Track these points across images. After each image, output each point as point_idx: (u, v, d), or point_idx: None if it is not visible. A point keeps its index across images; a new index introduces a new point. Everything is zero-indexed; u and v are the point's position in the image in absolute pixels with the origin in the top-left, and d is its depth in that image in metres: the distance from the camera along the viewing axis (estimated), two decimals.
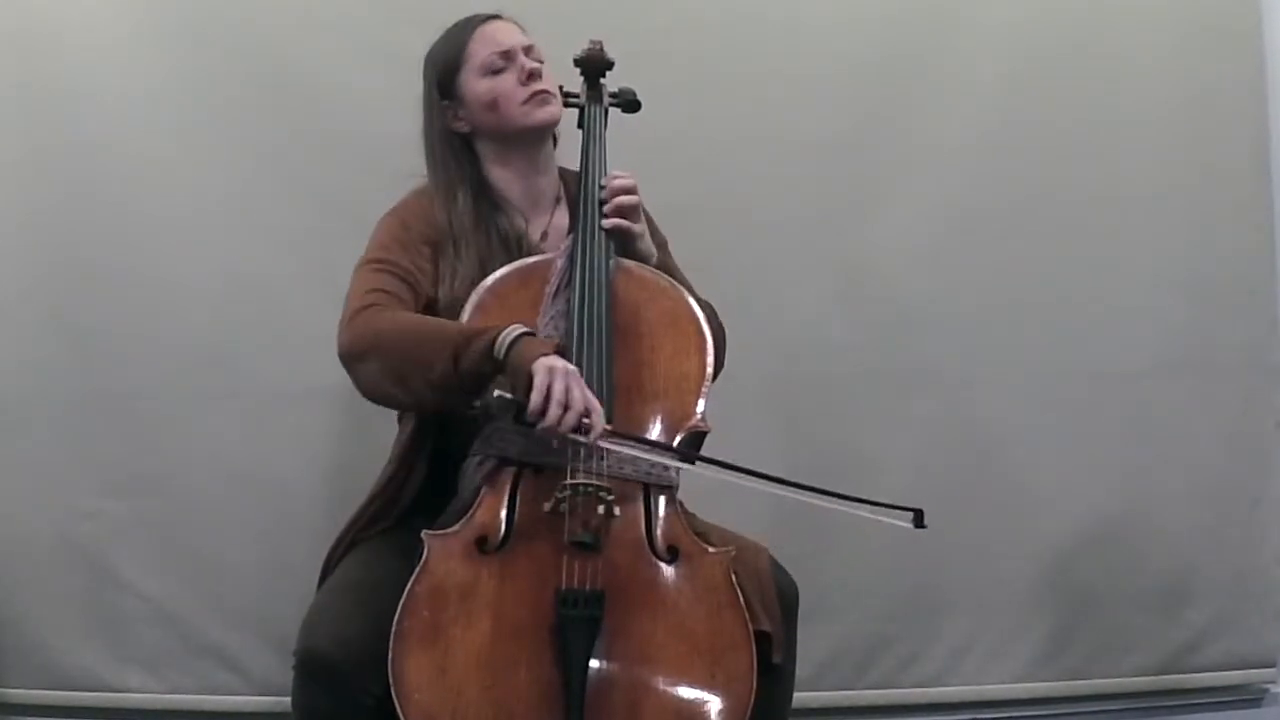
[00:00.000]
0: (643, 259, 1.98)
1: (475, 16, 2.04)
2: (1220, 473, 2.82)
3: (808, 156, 2.71)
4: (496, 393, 1.66)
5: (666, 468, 1.77)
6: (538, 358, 1.66)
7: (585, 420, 1.65)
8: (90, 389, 2.56)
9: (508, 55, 1.99)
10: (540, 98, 1.99)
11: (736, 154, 2.68)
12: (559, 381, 1.64)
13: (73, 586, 2.55)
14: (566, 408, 1.64)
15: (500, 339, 1.70)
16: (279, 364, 2.57)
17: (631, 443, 1.72)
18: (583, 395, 1.66)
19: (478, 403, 1.67)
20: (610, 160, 2.04)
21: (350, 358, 1.81)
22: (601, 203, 1.95)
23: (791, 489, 1.71)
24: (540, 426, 1.64)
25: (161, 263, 2.58)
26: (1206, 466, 2.81)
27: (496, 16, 2.05)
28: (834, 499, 1.71)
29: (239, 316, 2.58)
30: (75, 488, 2.56)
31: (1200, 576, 2.81)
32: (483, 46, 2.00)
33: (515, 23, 2.06)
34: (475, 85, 1.99)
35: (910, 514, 1.70)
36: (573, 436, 1.66)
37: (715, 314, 2.02)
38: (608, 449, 1.70)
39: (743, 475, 1.71)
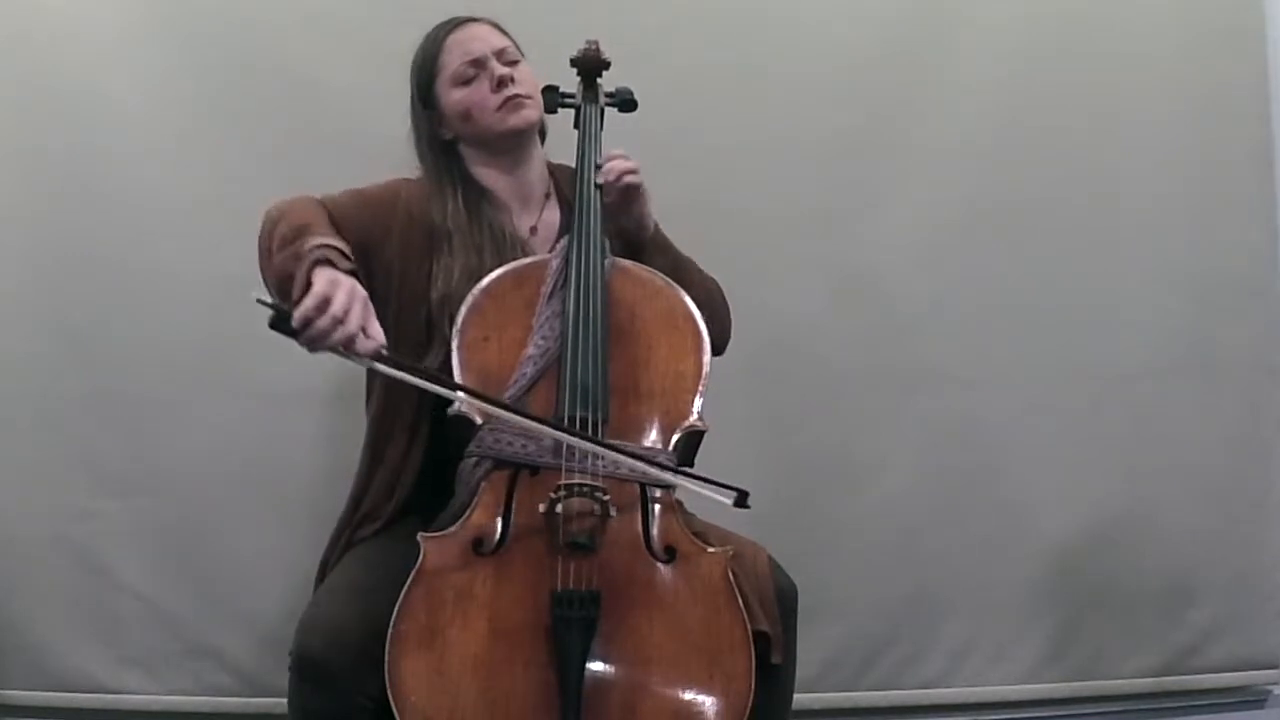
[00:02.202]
0: (643, 226, 1.99)
1: (448, 22, 2.04)
2: (1223, 473, 2.82)
3: (807, 156, 2.71)
4: (257, 296, 1.61)
5: (665, 468, 1.76)
6: (326, 264, 1.65)
7: (362, 339, 1.62)
8: (88, 389, 2.56)
9: (478, 63, 1.99)
10: (513, 103, 1.99)
11: (734, 154, 2.67)
12: (341, 293, 1.61)
13: (70, 587, 2.56)
14: (339, 322, 1.60)
15: (309, 238, 1.70)
16: (277, 364, 2.55)
17: (406, 373, 1.68)
18: (362, 315, 1.62)
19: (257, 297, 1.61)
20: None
21: (266, 219, 1.84)
22: (598, 181, 1.96)
23: (593, 444, 1.70)
24: (306, 334, 1.59)
25: (159, 262, 2.58)
26: (1209, 467, 2.81)
27: (470, 20, 2.04)
28: (659, 469, 1.70)
29: (237, 316, 2.53)
30: (73, 488, 2.56)
31: (1203, 577, 2.81)
32: (454, 57, 2.00)
33: (490, 22, 2.05)
34: (449, 96, 2.00)
35: (734, 493, 1.66)
36: (342, 353, 1.61)
37: (720, 289, 2.06)
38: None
39: (697, 482, 1.70)
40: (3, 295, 2.57)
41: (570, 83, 2.11)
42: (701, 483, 1.69)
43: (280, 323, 1.59)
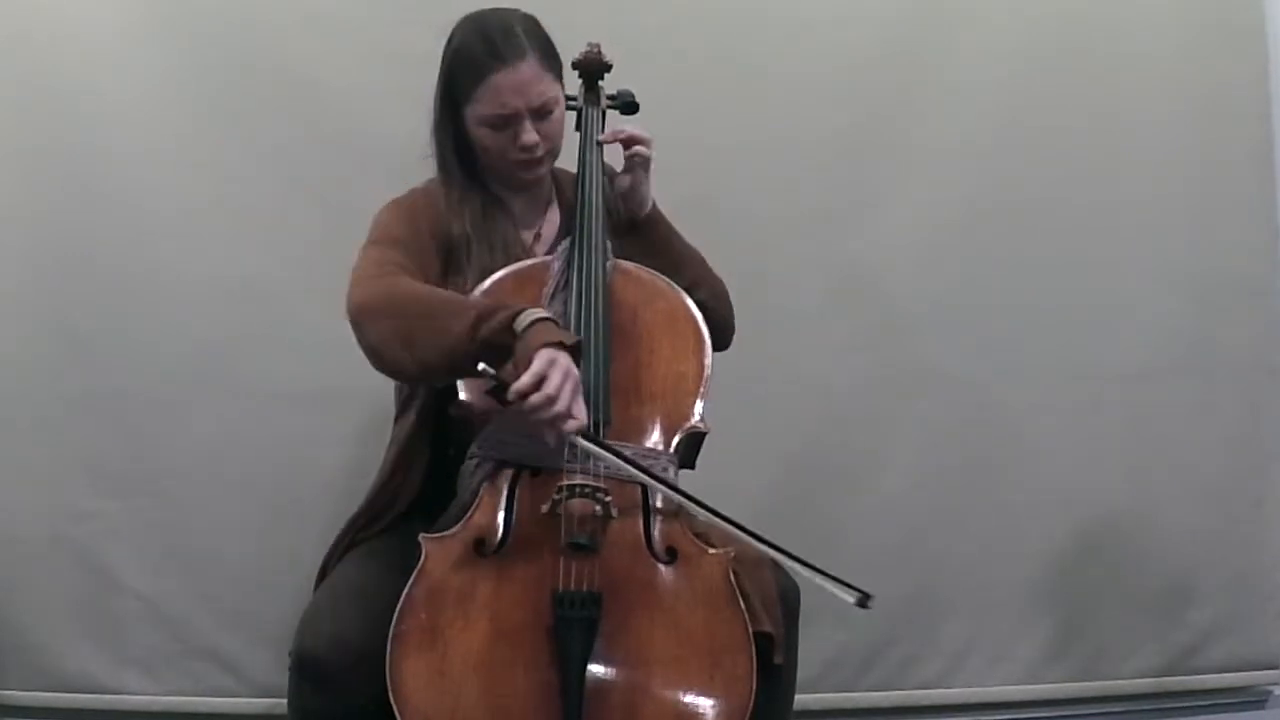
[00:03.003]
0: (643, 201, 2.00)
1: (494, 51, 1.90)
2: (1223, 473, 2.82)
3: (807, 156, 2.71)
4: (481, 366, 1.65)
5: (665, 468, 1.76)
6: (546, 346, 1.65)
7: (570, 420, 1.65)
8: (88, 389, 2.56)
9: (509, 120, 1.92)
10: (529, 163, 1.96)
11: (734, 154, 2.67)
12: (557, 374, 1.63)
13: (69, 587, 2.56)
14: (552, 401, 1.62)
15: (522, 315, 1.69)
16: (277, 365, 2.57)
17: (609, 454, 1.69)
18: (571, 397, 1.65)
19: (481, 367, 1.65)
20: (608, 161, 2.04)
21: (362, 313, 1.76)
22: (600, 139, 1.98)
23: (754, 540, 1.68)
24: (520, 407, 1.63)
25: (159, 262, 2.58)
26: (1209, 467, 2.81)
27: (517, 60, 1.90)
28: (794, 561, 1.68)
29: (237, 317, 2.58)
30: (72, 488, 2.56)
31: (1203, 577, 2.81)
32: (488, 100, 1.91)
33: (537, 56, 1.92)
34: (473, 128, 1.95)
35: (857, 594, 1.65)
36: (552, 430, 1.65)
37: (719, 280, 2.05)
38: (588, 449, 1.68)
39: (703, 510, 1.70)
40: (3, 295, 2.57)
41: (571, 84, 2.10)
42: (828, 579, 1.67)
43: (497, 391, 1.66)
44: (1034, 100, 2.77)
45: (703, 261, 2.08)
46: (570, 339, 1.69)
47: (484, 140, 1.94)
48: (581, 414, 1.67)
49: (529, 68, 1.90)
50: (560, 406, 1.63)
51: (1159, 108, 2.82)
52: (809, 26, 2.72)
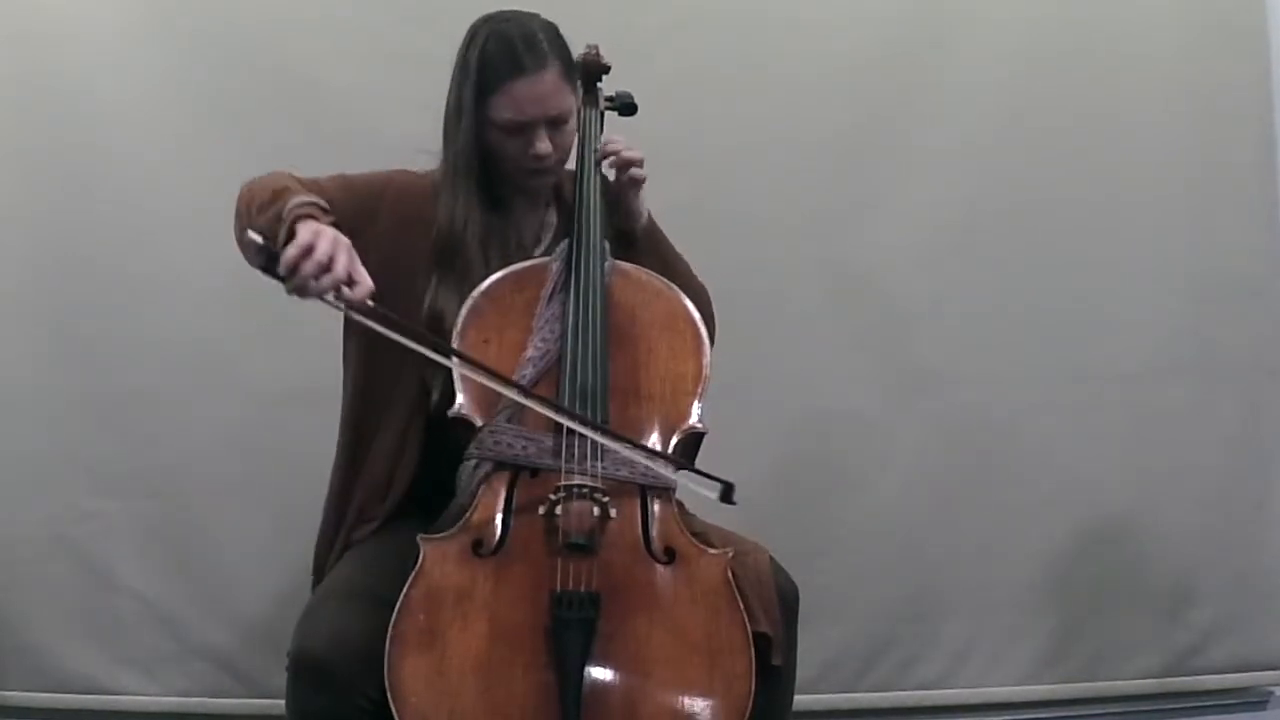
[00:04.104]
0: (636, 216, 1.99)
1: (518, 57, 1.89)
2: (1223, 474, 2.81)
3: (807, 157, 2.71)
4: (250, 234, 1.64)
5: (665, 468, 1.76)
6: (308, 219, 1.66)
7: (346, 288, 1.63)
8: (87, 389, 2.57)
9: (525, 127, 1.91)
10: (538, 172, 1.95)
11: (735, 155, 2.68)
12: (324, 241, 1.63)
13: (68, 588, 2.56)
14: (325, 270, 1.61)
15: (293, 199, 1.71)
16: (277, 364, 2.57)
17: (396, 331, 1.69)
18: (348, 262, 1.64)
19: (249, 235, 1.64)
20: (607, 162, 2.03)
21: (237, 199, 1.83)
22: (600, 164, 1.96)
23: (600, 434, 1.71)
24: (293, 282, 1.62)
25: (159, 262, 2.59)
26: (1209, 467, 2.81)
27: (539, 70, 1.89)
28: (644, 452, 1.72)
29: (236, 317, 2.58)
30: (71, 488, 2.57)
31: (1204, 578, 2.81)
32: (505, 106, 1.90)
33: (559, 68, 1.91)
34: (487, 129, 1.93)
35: (719, 485, 1.66)
36: (329, 300, 1.63)
37: (705, 292, 2.03)
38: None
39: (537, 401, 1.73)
40: (2, 295, 2.57)
41: None
42: (693, 475, 1.69)
43: (270, 263, 1.62)
44: (1034, 100, 2.77)
45: (688, 269, 2.06)
46: (327, 220, 1.69)
47: (496, 143, 1.94)
48: (365, 279, 1.65)
49: (551, 78, 1.91)
50: (339, 271, 1.62)
51: (1160, 108, 2.81)
52: (809, 27, 2.72)
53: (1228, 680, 2.83)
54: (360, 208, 1.91)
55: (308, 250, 1.61)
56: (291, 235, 1.65)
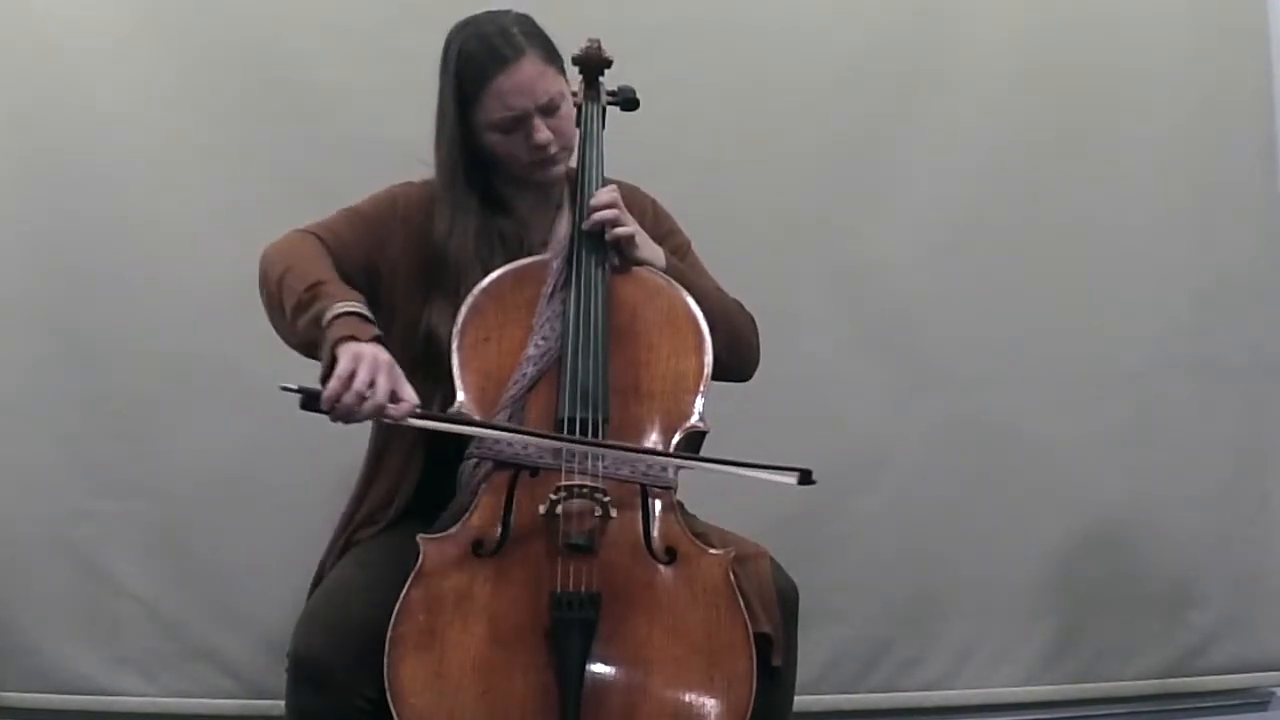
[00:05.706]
0: (649, 262, 1.94)
1: (495, 53, 1.87)
2: (1225, 474, 2.82)
3: (810, 157, 2.71)
4: (282, 385, 1.64)
5: (664, 468, 1.76)
6: (346, 341, 1.66)
7: (392, 406, 1.65)
8: (85, 391, 2.57)
9: (518, 120, 1.89)
10: (545, 162, 1.93)
11: (737, 154, 2.68)
12: (364, 368, 1.63)
13: (67, 589, 2.56)
14: (365, 398, 1.63)
15: (329, 308, 1.70)
16: (275, 367, 2.53)
17: (444, 424, 1.72)
18: (388, 384, 1.65)
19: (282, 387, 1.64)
20: (608, 159, 2.02)
21: (259, 277, 1.84)
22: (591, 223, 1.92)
23: (665, 457, 1.73)
24: (336, 413, 1.64)
25: (158, 265, 2.59)
26: (1210, 468, 2.81)
27: (519, 57, 1.87)
28: (717, 464, 1.71)
29: (235, 319, 2.55)
30: (70, 489, 2.57)
31: (1206, 579, 2.81)
32: (494, 104, 1.87)
33: (539, 52, 1.89)
34: (484, 135, 1.91)
35: (795, 472, 1.69)
36: (378, 421, 1.66)
37: (742, 307, 2.02)
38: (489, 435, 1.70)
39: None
40: (4, 299, 2.57)
41: (571, 81, 2.09)
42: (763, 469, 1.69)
43: (310, 403, 1.64)
44: (1034, 101, 2.77)
45: (723, 302, 2.00)
46: (367, 334, 1.69)
47: (496, 146, 1.92)
48: (409, 395, 1.67)
49: (530, 65, 1.88)
50: (379, 398, 1.63)
51: (1161, 109, 2.82)
52: (809, 31, 2.73)
53: (1229, 681, 2.83)
54: (373, 238, 1.92)
55: (348, 381, 1.62)
56: (333, 358, 1.65)
